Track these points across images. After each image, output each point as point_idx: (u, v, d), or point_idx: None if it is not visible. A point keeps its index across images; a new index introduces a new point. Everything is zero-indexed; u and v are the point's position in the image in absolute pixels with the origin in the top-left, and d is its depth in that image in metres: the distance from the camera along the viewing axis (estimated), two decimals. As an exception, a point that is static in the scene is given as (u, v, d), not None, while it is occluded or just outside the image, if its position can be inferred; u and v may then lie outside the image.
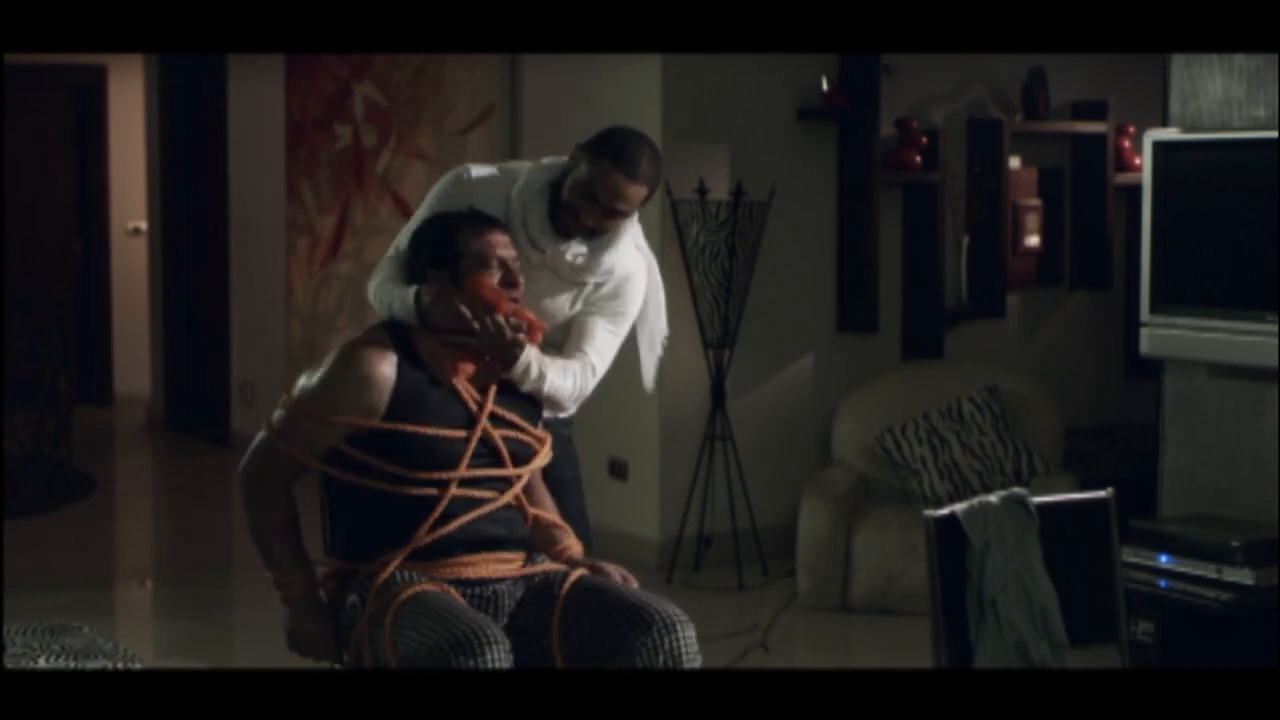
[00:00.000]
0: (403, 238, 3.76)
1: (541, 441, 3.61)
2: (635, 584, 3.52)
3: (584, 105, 6.86)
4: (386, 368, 3.41)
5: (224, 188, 9.67)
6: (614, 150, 3.58)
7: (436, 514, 3.39)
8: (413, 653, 3.22)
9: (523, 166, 3.77)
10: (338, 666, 3.52)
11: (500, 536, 3.49)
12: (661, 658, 3.30)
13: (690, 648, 3.33)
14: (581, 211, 3.60)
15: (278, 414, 3.49)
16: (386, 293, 3.60)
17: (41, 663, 4.56)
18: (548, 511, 3.64)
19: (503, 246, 3.52)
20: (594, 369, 3.73)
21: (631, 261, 3.78)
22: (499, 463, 3.49)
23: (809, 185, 6.92)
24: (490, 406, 3.50)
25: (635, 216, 3.73)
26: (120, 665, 4.55)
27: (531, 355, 3.56)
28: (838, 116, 6.87)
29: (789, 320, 6.92)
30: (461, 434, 3.44)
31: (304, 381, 3.49)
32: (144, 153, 10.68)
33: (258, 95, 9.24)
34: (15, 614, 5.34)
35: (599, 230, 3.64)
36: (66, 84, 11.32)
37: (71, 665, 4.53)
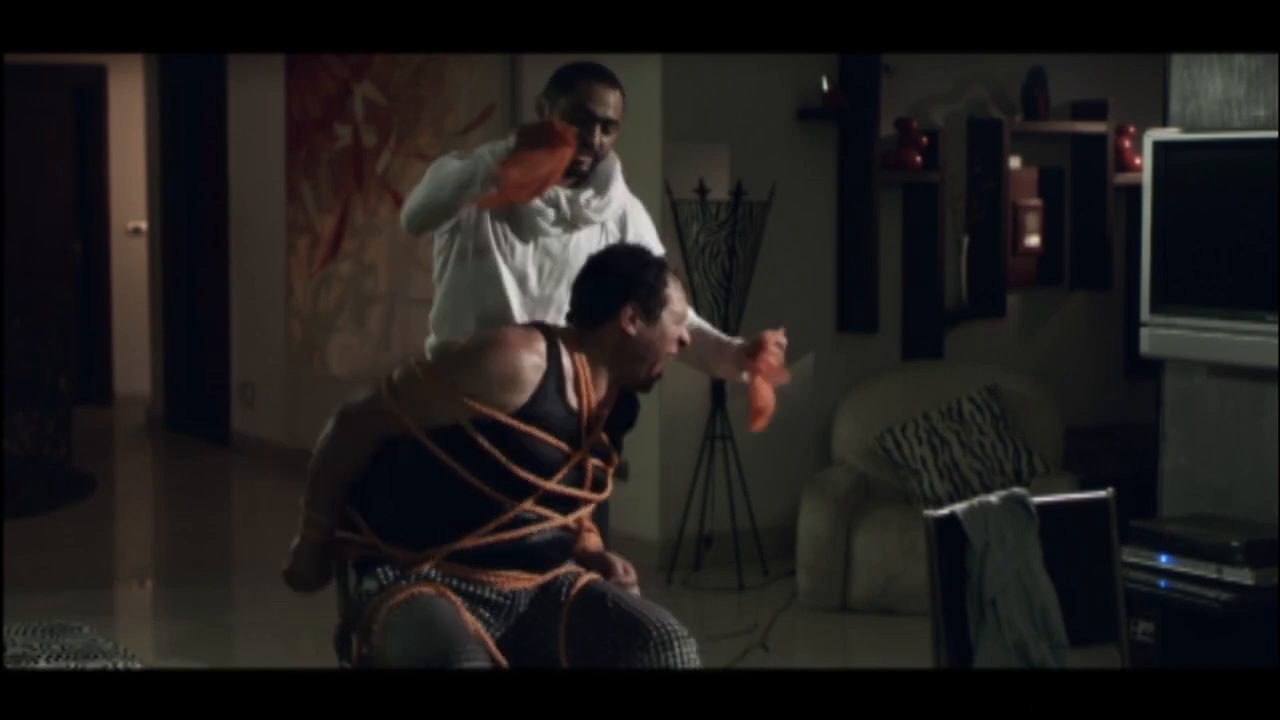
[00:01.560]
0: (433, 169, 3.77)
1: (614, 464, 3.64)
2: (634, 576, 3.56)
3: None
4: (535, 368, 3.40)
5: (224, 188, 9.67)
6: (581, 70, 3.81)
7: (497, 523, 3.38)
8: (394, 660, 3.24)
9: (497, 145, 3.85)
10: (345, 665, 3.51)
11: (542, 556, 3.48)
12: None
13: (690, 663, 3.33)
14: (589, 135, 3.75)
15: (399, 375, 3.41)
16: (455, 169, 3.65)
17: (41, 663, 4.55)
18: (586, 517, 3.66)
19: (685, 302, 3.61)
20: None
21: (632, 200, 4.00)
22: (582, 486, 3.51)
23: (809, 185, 6.92)
24: (600, 434, 3.52)
25: (619, 162, 3.91)
26: (120, 666, 4.55)
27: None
28: (838, 116, 6.87)
29: (789, 320, 6.90)
30: (566, 449, 3.45)
31: (442, 356, 3.48)
32: (144, 153, 10.68)
33: (258, 95, 9.24)
34: (15, 614, 5.33)
35: (599, 154, 3.81)
36: (67, 84, 11.32)
37: (71, 666, 4.53)
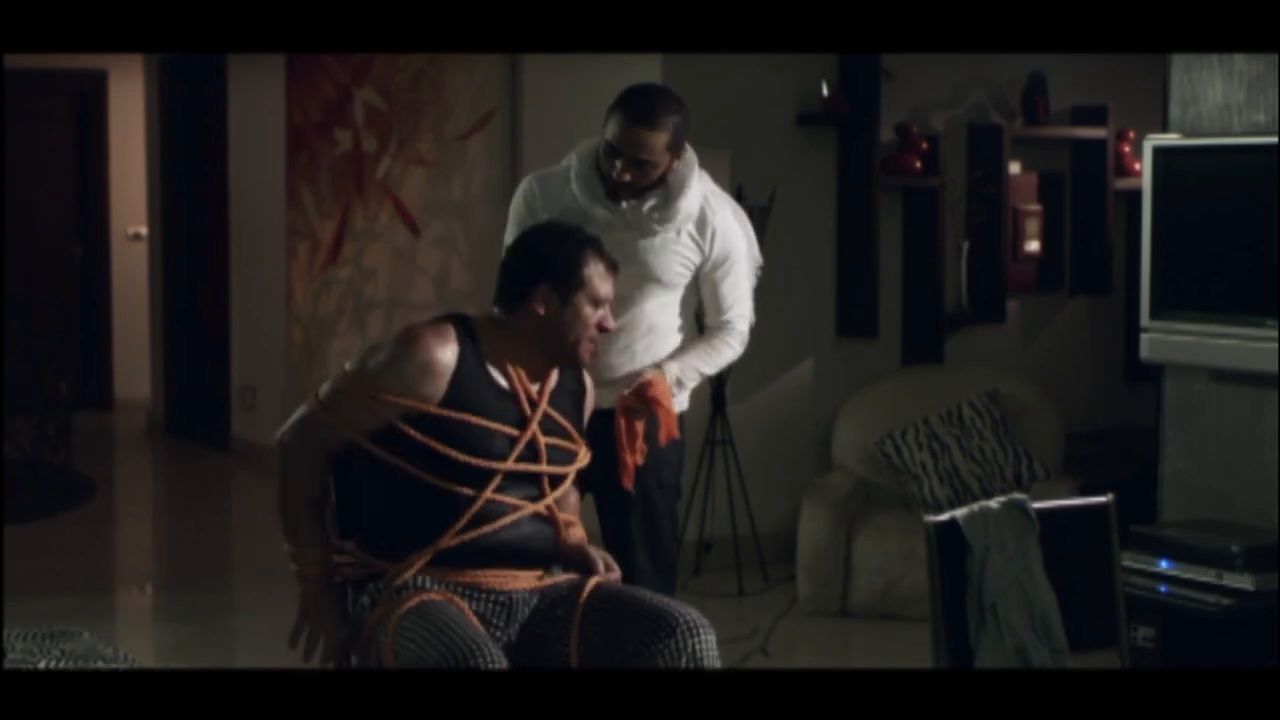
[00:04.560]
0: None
1: (580, 445, 3.63)
2: (617, 574, 3.56)
3: (584, 109, 6.84)
4: (448, 355, 3.41)
5: (224, 192, 9.67)
6: (625, 102, 3.78)
7: (469, 515, 3.39)
8: (409, 665, 3.23)
9: (573, 157, 3.92)
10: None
11: (526, 550, 3.49)
12: (684, 660, 3.32)
13: (711, 651, 3.35)
14: (613, 170, 3.75)
15: (326, 388, 3.47)
16: None
17: (41, 668, 4.55)
18: (570, 511, 3.65)
19: (611, 285, 3.57)
20: (738, 331, 4.07)
21: (717, 203, 3.94)
22: (537, 463, 3.51)
23: (809, 190, 6.91)
24: (543, 408, 3.51)
25: (695, 168, 3.86)
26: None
27: (672, 372, 3.84)
28: (838, 121, 6.87)
29: (789, 325, 6.91)
30: (513, 432, 3.46)
31: (362, 360, 3.47)
32: (144, 157, 10.68)
33: (258, 100, 9.24)
34: (15, 619, 5.34)
35: (635, 184, 3.77)
36: (67, 88, 11.32)
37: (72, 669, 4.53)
